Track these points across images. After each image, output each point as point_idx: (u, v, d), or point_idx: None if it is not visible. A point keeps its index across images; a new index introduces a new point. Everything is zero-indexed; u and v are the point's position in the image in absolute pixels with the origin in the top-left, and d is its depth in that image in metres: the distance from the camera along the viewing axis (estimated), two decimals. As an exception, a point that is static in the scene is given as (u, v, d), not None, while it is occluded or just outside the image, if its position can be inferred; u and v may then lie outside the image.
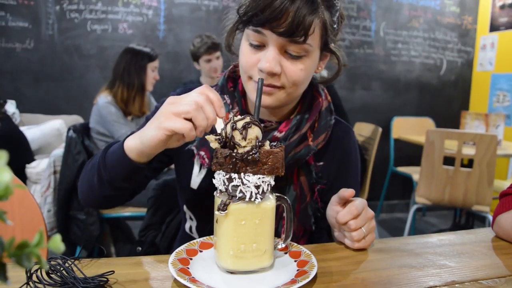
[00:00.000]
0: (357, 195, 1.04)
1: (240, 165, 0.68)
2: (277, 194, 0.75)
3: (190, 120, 0.73)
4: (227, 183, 0.69)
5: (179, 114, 0.73)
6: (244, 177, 0.68)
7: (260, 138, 0.70)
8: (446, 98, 4.52)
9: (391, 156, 4.19)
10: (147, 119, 1.07)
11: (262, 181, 0.69)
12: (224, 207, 0.68)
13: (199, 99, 0.73)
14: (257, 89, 0.79)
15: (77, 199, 2.44)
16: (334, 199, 0.88)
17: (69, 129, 2.46)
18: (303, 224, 1.02)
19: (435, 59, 4.43)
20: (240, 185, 0.68)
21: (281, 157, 0.70)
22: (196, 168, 1.02)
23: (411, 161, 4.15)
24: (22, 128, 3.13)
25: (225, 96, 1.01)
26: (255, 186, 0.68)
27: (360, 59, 4.20)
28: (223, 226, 0.71)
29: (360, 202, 0.84)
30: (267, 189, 0.70)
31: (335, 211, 0.86)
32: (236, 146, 0.69)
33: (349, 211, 0.82)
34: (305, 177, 1.01)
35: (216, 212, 0.71)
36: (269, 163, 0.68)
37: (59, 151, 2.51)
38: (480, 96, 4.46)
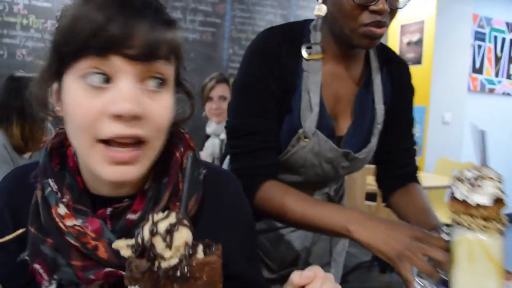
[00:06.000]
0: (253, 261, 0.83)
1: (164, 283, 0.48)
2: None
3: None
4: (145, 309, 0.49)
5: None
6: (170, 301, 0.48)
7: (190, 243, 0.51)
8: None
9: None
10: None
11: (196, 304, 0.50)
12: None
13: None
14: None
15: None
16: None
17: None
18: None
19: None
20: (164, 312, 0.48)
21: (219, 267, 0.51)
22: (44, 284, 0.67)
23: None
24: None
25: (50, 180, 0.68)
26: (186, 313, 0.49)
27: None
28: None
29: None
30: (202, 313, 0.51)
31: None
32: (158, 258, 0.49)
33: None
34: None
35: None
36: (205, 278, 0.49)
37: None
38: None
